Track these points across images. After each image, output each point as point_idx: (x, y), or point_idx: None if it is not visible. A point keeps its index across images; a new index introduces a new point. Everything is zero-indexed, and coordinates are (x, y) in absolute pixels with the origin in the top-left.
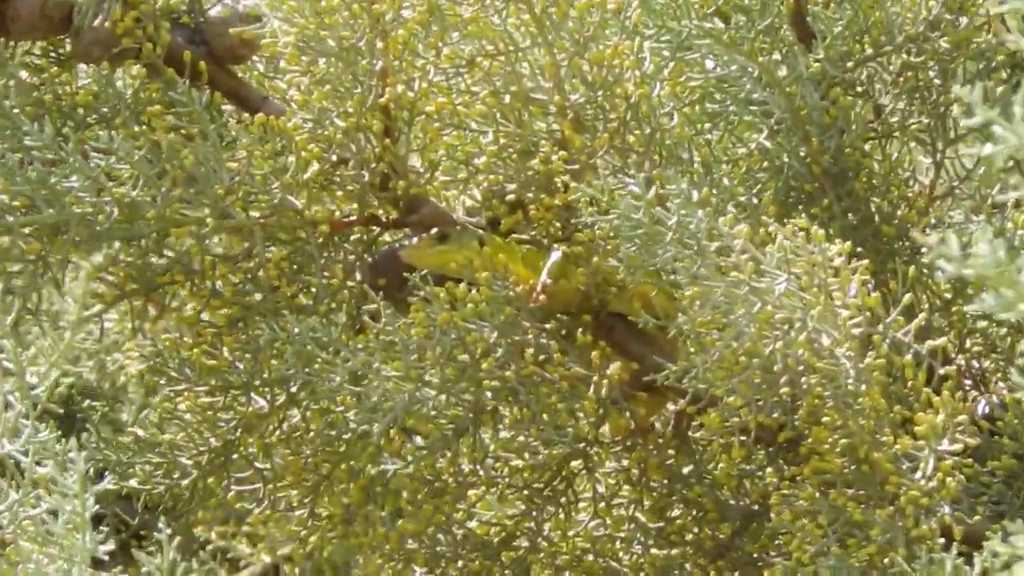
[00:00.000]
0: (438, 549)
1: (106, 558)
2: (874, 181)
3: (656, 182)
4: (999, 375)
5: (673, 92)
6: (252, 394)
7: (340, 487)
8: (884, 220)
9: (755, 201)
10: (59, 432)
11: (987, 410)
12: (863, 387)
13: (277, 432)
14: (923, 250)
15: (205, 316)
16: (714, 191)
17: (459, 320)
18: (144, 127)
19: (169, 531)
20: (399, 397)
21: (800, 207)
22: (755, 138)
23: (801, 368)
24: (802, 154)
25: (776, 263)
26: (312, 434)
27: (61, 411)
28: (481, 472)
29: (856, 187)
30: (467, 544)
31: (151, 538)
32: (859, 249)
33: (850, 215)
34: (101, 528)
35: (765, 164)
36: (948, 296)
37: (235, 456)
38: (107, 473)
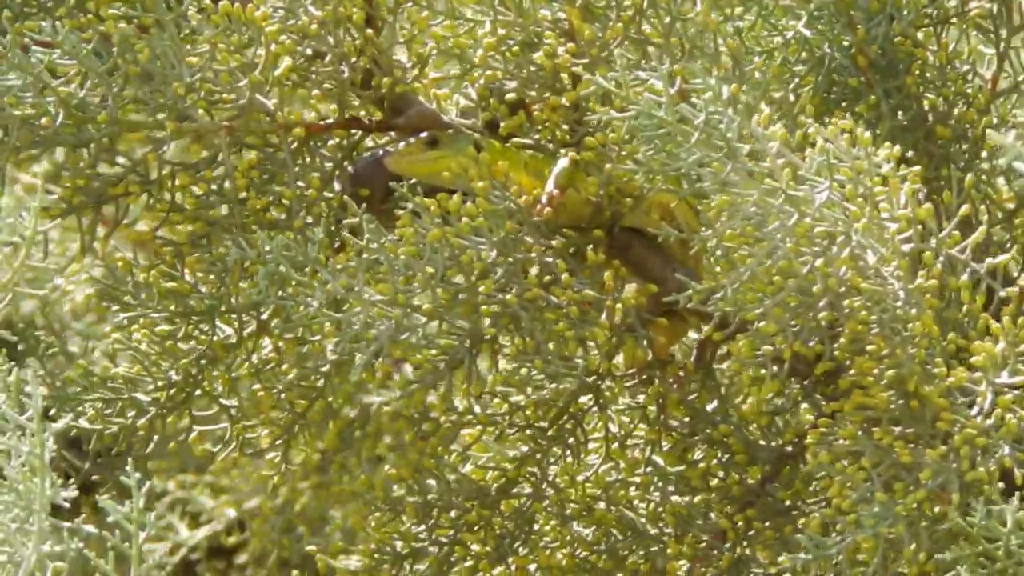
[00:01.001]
0: (428, 497)
1: (67, 505)
2: (928, 75)
3: (679, 77)
4: None
5: None
6: (217, 321)
7: (316, 429)
8: (939, 120)
9: (792, 98)
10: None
11: None
12: (913, 311)
13: (246, 365)
14: (983, 154)
15: (163, 232)
16: (744, 87)
17: (452, 236)
18: (92, 16)
19: (138, 475)
20: (384, 324)
21: (843, 105)
22: (792, 25)
23: (843, 289)
24: (846, 44)
25: (816, 169)
26: (286, 367)
27: (14, 339)
28: (477, 409)
29: (907, 82)
30: (461, 491)
31: (102, 486)
32: (910, 153)
33: (900, 114)
34: None
35: (804, 55)
36: (1011, 206)
37: (198, 392)
38: (52, 412)
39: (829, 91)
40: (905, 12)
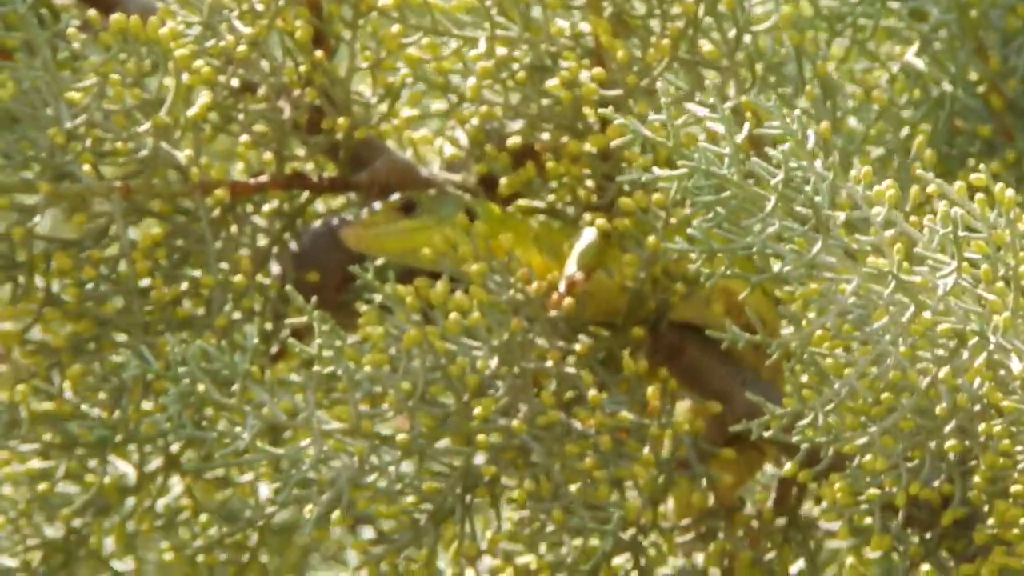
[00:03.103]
0: None
1: None
2: None
3: (748, 114)
4: None
5: None
6: (110, 456)
7: None
8: None
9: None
10: None
11: None
12: None
13: (149, 515)
14: None
15: (36, 334)
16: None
17: (437, 339)
18: None
19: None
20: (344, 462)
21: (971, 163)
22: (899, 54)
23: (978, 408)
24: (974, 78)
25: (940, 244)
26: (204, 518)
27: None
28: None
29: None
30: None
31: None
32: None
33: None
34: None
35: (916, 95)
36: None
37: (83, 553)
38: None
39: (951, 143)
40: None
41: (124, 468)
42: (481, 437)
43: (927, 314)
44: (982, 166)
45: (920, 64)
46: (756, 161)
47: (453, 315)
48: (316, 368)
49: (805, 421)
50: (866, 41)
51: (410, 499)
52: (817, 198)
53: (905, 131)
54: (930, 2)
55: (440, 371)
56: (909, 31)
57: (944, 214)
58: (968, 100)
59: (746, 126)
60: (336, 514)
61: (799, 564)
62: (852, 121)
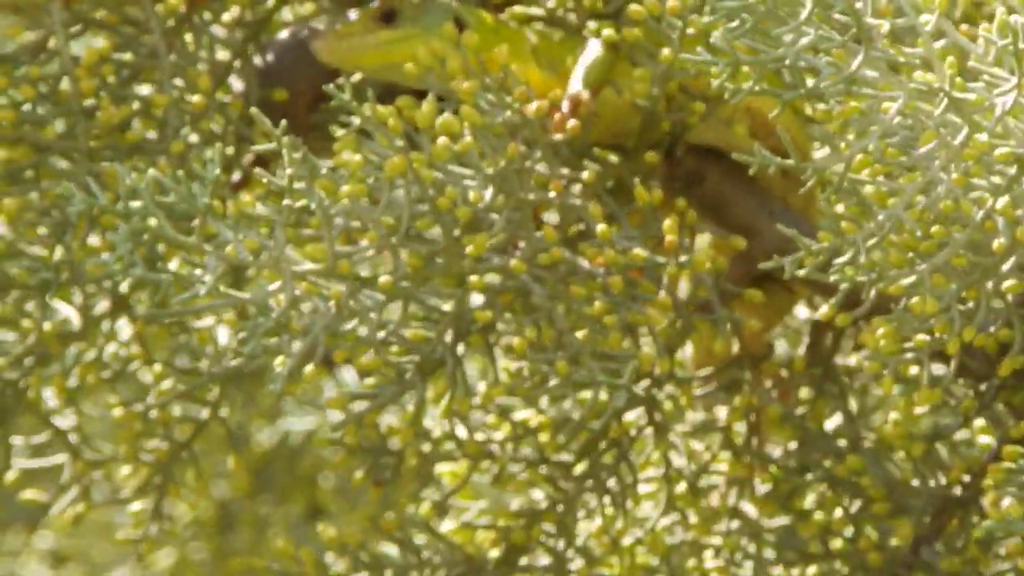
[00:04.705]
0: (386, 574)
1: None
2: None
3: None
4: None
5: None
6: (52, 299)
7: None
8: None
9: None
10: None
11: None
12: None
13: (95, 365)
14: None
15: None
16: None
17: (423, 167)
18: None
19: None
20: (319, 307)
21: None
22: None
23: None
24: None
25: (997, 57)
26: (158, 369)
27: None
28: (464, 434)
29: None
30: (439, 563)
31: None
32: None
33: None
34: None
35: None
36: None
37: (21, 408)
38: None
39: None
40: None
41: (67, 311)
42: (474, 278)
43: (982, 136)
44: None
45: None
46: None
47: (441, 139)
48: (286, 202)
49: (844, 258)
50: None
51: (394, 349)
52: (858, 4)
53: None
54: None
55: (427, 203)
56: None
57: (1002, 23)
58: None
59: None
60: (310, 366)
61: (835, 419)
62: None
